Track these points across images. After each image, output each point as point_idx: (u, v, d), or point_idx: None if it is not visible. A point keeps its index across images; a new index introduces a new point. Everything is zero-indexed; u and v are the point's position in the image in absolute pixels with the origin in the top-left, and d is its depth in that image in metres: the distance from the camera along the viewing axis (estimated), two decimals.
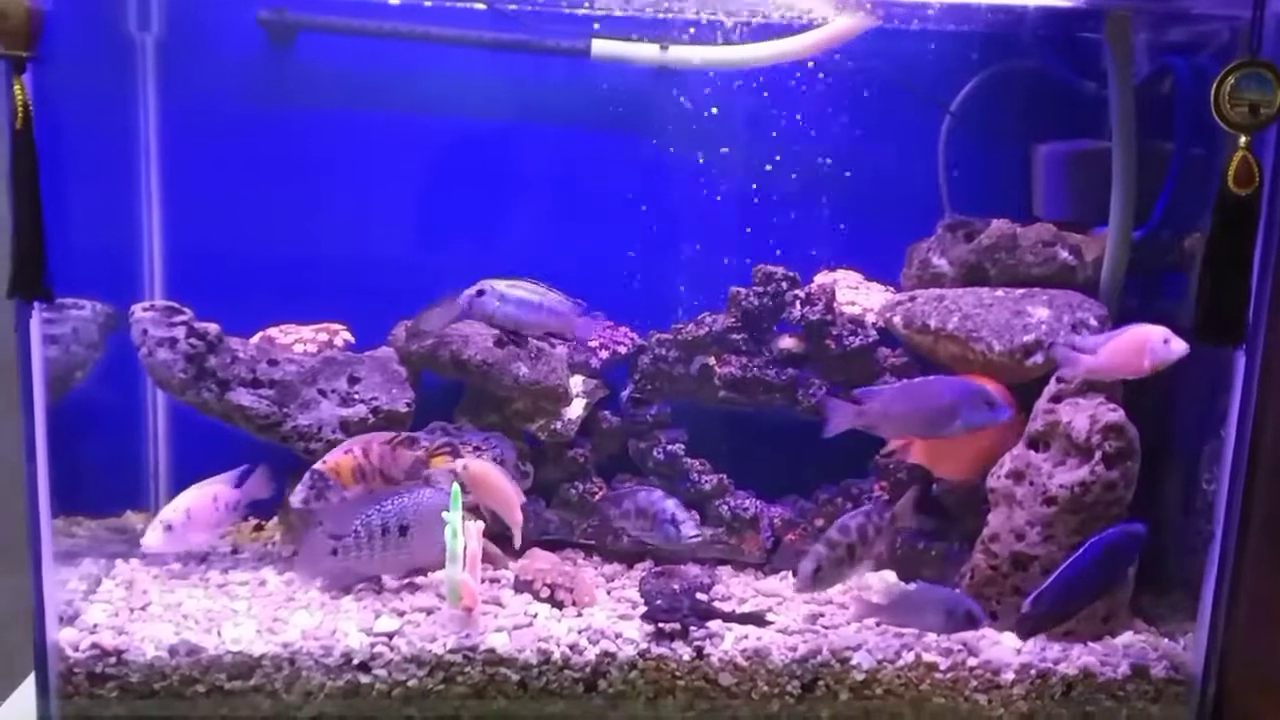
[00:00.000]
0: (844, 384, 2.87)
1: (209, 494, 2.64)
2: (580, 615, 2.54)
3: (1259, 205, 2.21)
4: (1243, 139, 2.17)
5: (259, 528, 3.00)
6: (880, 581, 2.80)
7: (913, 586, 2.68)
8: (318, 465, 2.59)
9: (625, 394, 2.95)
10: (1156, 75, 2.79)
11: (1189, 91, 2.68)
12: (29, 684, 2.32)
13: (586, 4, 2.78)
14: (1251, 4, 2.18)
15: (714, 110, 2.96)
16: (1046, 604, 2.35)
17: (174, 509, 2.60)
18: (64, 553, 2.37)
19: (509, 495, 2.62)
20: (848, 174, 3.02)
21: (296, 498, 2.62)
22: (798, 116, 2.98)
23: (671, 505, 2.59)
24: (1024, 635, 2.41)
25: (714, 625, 2.47)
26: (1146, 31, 2.76)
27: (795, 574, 2.53)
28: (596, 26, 2.85)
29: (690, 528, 2.59)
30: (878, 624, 2.52)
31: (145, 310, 2.65)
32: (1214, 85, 2.18)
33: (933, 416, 2.45)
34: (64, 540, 2.37)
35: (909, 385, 2.54)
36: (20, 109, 2.05)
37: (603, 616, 2.53)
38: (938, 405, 2.44)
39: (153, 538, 2.57)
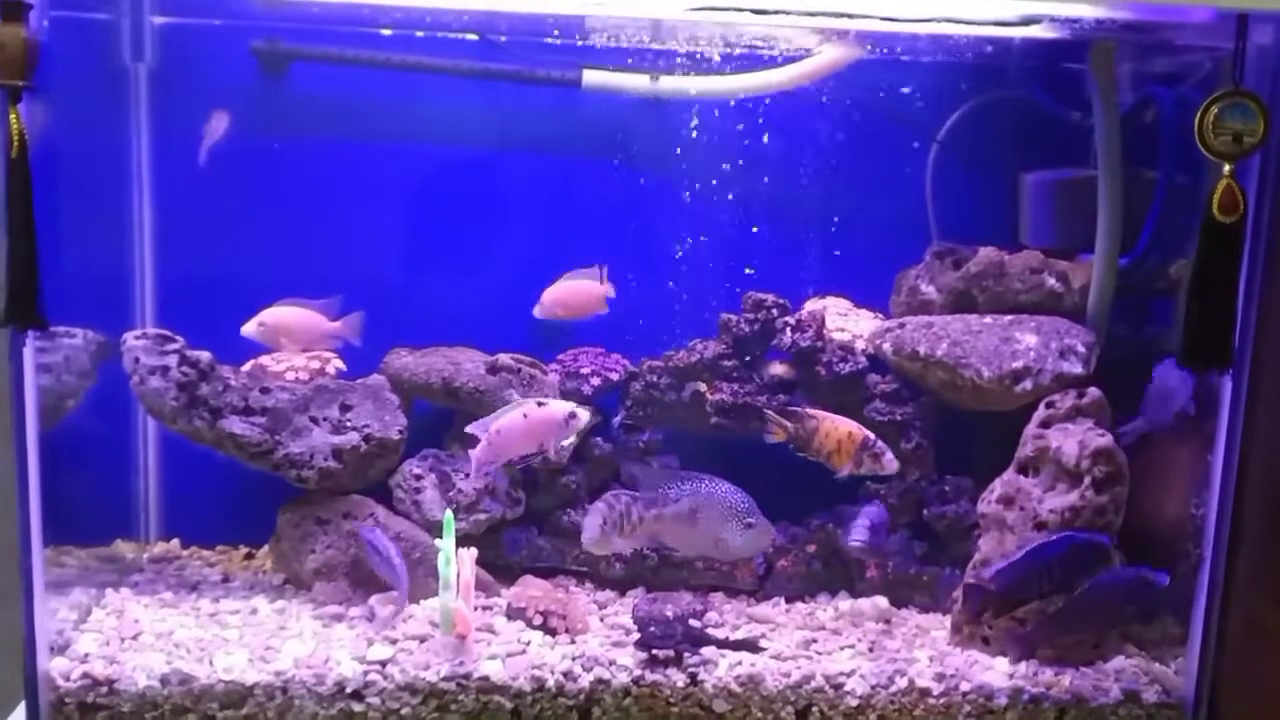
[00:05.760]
0: (833, 409, 2.89)
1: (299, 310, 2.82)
2: (573, 642, 2.54)
3: (1243, 232, 2.24)
4: (1226, 167, 2.20)
5: (249, 556, 2.99)
6: (872, 607, 2.80)
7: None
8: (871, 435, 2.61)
9: (617, 421, 2.95)
10: (1141, 105, 2.83)
11: (1173, 121, 2.72)
12: (19, 714, 2.30)
13: (578, 35, 2.83)
14: (1234, 35, 2.21)
15: (704, 139, 2.99)
16: (1002, 582, 2.41)
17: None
18: (54, 582, 2.35)
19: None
20: (838, 202, 3.06)
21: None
22: (777, 144, 3.01)
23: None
24: (972, 611, 2.48)
25: (708, 652, 2.47)
26: (1130, 62, 2.81)
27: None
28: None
29: None
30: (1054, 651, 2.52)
31: (137, 338, 2.65)
32: (1198, 115, 2.21)
33: None
34: (53, 570, 2.35)
35: None
36: (16, 138, 2.05)
37: (596, 643, 2.53)
38: None
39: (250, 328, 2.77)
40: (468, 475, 2.82)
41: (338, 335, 2.83)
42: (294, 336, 2.82)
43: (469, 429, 2.49)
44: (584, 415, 2.55)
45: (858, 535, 2.66)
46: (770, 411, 2.69)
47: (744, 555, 2.65)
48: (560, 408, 2.54)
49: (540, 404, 2.53)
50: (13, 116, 2.05)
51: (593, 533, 2.40)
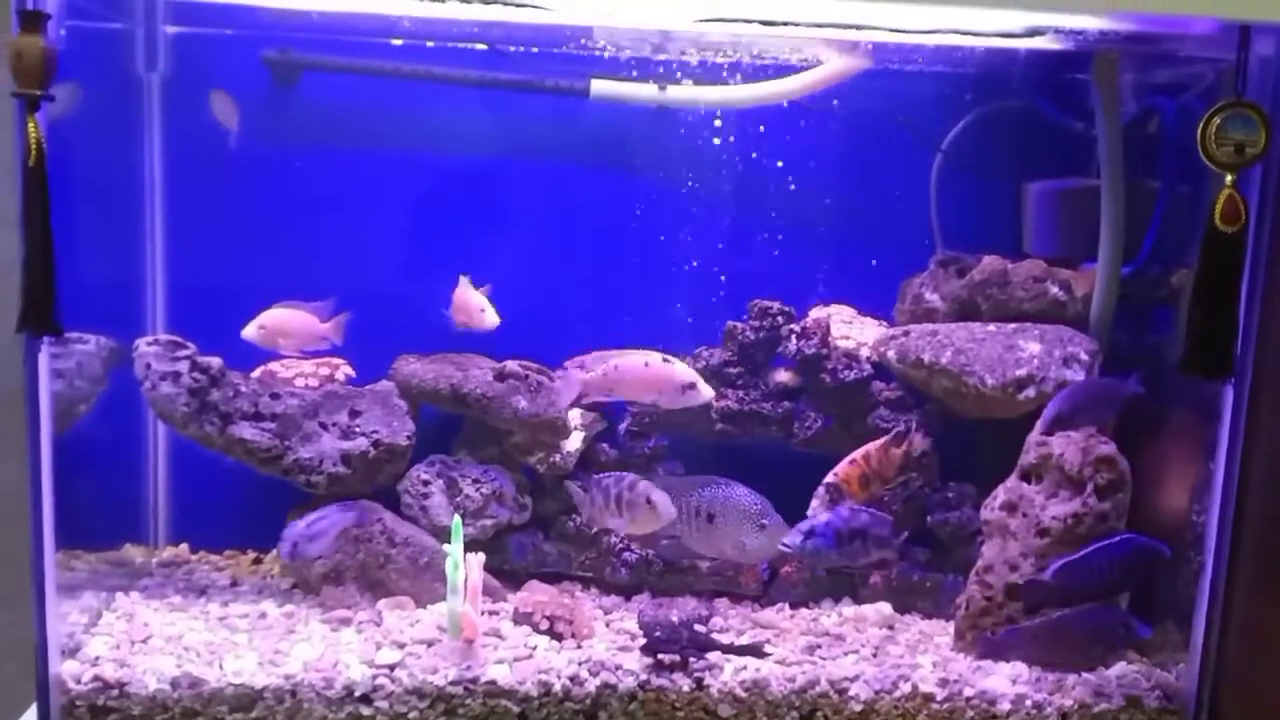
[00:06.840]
0: (838, 417, 2.91)
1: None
2: (580, 647, 2.56)
3: (1245, 242, 2.26)
4: (1229, 177, 2.22)
5: (257, 561, 3.02)
6: (875, 613, 2.82)
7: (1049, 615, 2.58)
8: (830, 479, 2.61)
9: (623, 427, 2.96)
10: (1143, 115, 2.85)
11: (1175, 131, 2.74)
12: (30, 717, 2.32)
13: (584, 44, 2.85)
14: (1236, 46, 2.24)
15: (711, 147, 3.01)
16: (1062, 578, 2.46)
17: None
18: (64, 586, 2.37)
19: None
20: (843, 210, 3.08)
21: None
22: (783, 153, 3.04)
23: None
24: (1032, 602, 2.53)
25: (713, 657, 2.49)
26: (1133, 73, 2.83)
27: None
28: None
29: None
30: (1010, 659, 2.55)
31: (149, 344, 2.68)
32: (1200, 125, 2.23)
33: None
34: (64, 574, 2.37)
35: None
36: (34, 146, 2.07)
37: (602, 648, 2.55)
38: None
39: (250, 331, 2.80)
40: (475, 481, 2.84)
41: (326, 336, 2.88)
42: (292, 338, 2.85)
43: (590, 358, 2.56)
44: (705, 392, 2.55)
45: (790, 538, 2.52)
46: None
47: (762, 556, 2.65)
48: (683, 372, 2.55)
49: (666, 360, 2.54)
50: (31, 125, 2.08)
51: (671, 509, 2.45)
